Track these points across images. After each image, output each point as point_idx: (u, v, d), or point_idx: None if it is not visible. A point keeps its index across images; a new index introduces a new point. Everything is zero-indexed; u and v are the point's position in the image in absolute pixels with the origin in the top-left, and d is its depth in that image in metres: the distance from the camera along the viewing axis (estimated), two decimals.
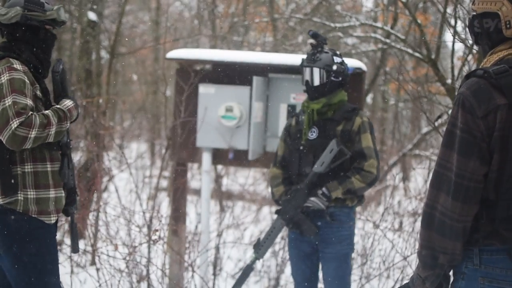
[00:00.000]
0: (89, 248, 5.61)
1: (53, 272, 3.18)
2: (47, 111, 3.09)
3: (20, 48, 3.16)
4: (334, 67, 4.00)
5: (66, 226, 5.50)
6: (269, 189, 4.58)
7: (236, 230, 6.96)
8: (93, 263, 5.76)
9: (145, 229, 5.16)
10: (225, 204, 8.09)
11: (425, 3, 9.13)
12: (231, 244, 6.33)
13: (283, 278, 6.01)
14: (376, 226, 5.63)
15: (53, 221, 3.18)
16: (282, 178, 4.13)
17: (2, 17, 3.14)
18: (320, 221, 3.98)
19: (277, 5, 10.50)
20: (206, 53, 5.32)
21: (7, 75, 3.02)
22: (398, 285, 5.42)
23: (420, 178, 7.71)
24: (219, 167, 7.80)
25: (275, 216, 7.33)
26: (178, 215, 5.35)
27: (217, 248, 5.96)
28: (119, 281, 4.73)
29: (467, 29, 2.50)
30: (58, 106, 3.18)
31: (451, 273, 2.39)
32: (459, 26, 5.30)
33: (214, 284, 5.47)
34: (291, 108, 5.11)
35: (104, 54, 9.87)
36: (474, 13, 2.41)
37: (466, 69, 5.38)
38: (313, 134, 4.01)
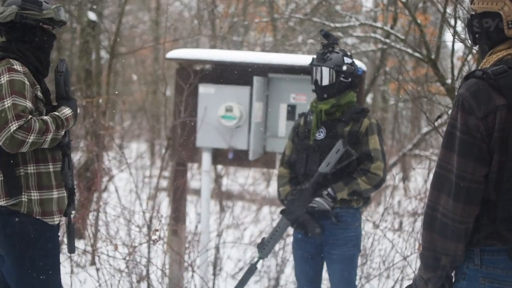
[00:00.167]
0: (89, 248, 5.61)
1: (54, 274, 3.17)
2: (46, 117, 3.08)
3: (19, 48, 3.15)
4: (344, 68, 3.97)
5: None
6: (269, 189, 4.58)
7: (236, 230, 6.96)
8: (93, 263, 5.76)
9: (145, 229, 5.16)
10: (225, 204, 8.09)
11: (425, 3, 9.14)
12: (231, 244, 6.33)
13: (283, 278, 6.01)
14: (376, 226, 5.63)
15: (56, 222, 3.17)
16: (289, 178, 4.12)
17: None
18: (325, 222, 3.96)
19: (277, 5, 10.50)
20: (206, 53, 5.32)
21: (7, 76, 3.01)
22: (398, 285, 5.42)
23: (420, 178, 7.72)
24: (219, 167, 7.80)
25: (274, 216, 7.35)
26: (178, 215, 5.35)
27: (217, 248, 5.96)
28: (119, 281, 4.73)
29: (466, 29, 2.50)
30: (57, 113, 3.15)
31: (453, 273, 2.39)
32: (459, 26, 5.30)
33: (214, 284, 5.48)
34: (291, 108, 5.11)
35: (104, 54, 9.87)
36: (473, 13, 2.41)
37: (466, 69, 5.38)
38: (320, 135, 3.99)
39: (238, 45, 10.63)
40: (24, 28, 3.16)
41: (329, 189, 3.90)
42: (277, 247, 6.09)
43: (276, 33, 9.95)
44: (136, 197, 5.82)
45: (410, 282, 5.06)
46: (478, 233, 2.27)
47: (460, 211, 2.23)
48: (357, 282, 5.52)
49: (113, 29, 8.92)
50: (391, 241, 5.64)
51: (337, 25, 7.56)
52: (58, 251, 3.21)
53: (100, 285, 4.69)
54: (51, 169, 3.15)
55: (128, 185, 7.06)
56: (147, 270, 5.02)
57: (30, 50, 3.17)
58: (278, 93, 5.14)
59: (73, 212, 3.34)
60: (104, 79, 8.54)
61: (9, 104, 2.95)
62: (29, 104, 3.00)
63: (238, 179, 9.46)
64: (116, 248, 4.85)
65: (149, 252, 5.08)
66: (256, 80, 4.99)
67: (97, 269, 4.84)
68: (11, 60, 3.07)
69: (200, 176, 6.26)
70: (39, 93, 3.12)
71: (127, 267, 4.87)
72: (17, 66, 3.06)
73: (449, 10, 5.81)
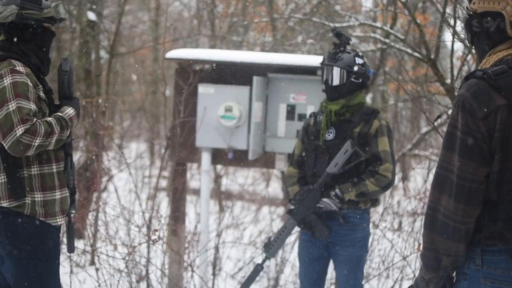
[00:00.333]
0: (88, 248, 5.61)
1: (54, 276, 3.16)
2: (50, 119, 3.06)
3: (20, 47, 3.12)
4: (355, 68, 3.95)
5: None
6: (268, 189, 4.57)
7: (235, 230, 6.96)
8: (92, 263, 5.76)
9: (144, 229, 5.16)
10: (224, 204, 8.09)
11: (424, 3, 9.13)
12: (230, 244, 6.33)
13: (282, 278, 6.01)
14: (375, 226, 5.63)
15: (59, 223, 3.16)
16: (298, 178, 4.10)
17: None
18: (332, 223, 3.95)
19: (276, 5, 10.49)
20: (206, 53, 5.32)
21: (10, 78, 2.98)
22: (397, 285, 5.42)
23: (420, 178, 7.70)
24: (219, 167, 7.80)
25: (273, 216, 7.34)
26: (177, 215, 5.35)
27: (216, 248, 5.95)
28: (118, 281, 4.73)
29: (465, 28, 2.49)
30: (60, 114, 3.13)
31: (454, 274, 2.39)
32: (459, 26, 5.29)
33: (213, 284, 5.47)
34: (291, 108, 5.11)
35: (103, 54, 9.86)
36: (471, 13, 2.40)
37: (465, 69, 5.38)
38: (330, 135, 3.97)
39: (238, 45, 10.62)
40: (24, 27, 3.13)
41: (337, 190, 3.89)
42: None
43: (276, 33, 9.94)
44: (136, 197, 5.82)
45: (410, 282, 5.08)
46: (479, 233, 2.27)
47: (461, 211, 2.23)
48: None
49: (113, 29, 8.92)
50: (390, 241, 5.64)
51: (337, 25, 7.55)
52: (58, 253, 3.20)
53: (99, 285, 4.69)
54: (55, 170, 3.14)
55: (127, 185, 7.05)
56: (147, 270, 5.02)
57: (31, 49, 3.14)
58: (278, 93, 5.14)
59: (73, 211, 3.33)
60: (104, 79, 8.54)
61: (14, 108, 2.93)
62: (33, 106, 2.98)
63: (238, 179, 9.45)
64: (115, 248, 4.85)
65: (148, 252, 5.08)
66: (256, 80, 4.99)
67: (97, 269, 4.84)
68: (12, 61, 3.05)
69: (200, 176, 6.26)
70: (41, 93, 3.10)
71: (126, 267, 4.87)
72: (19, 67, 3.03)
73: (448, 10, 5.80)
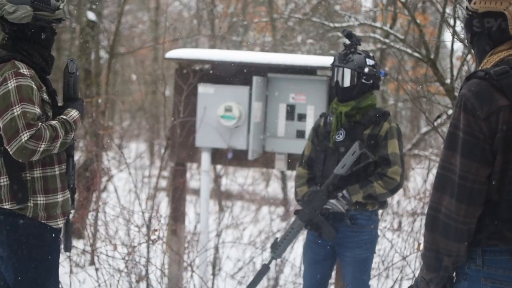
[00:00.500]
0: (88, 248, 5.61)
1: (53, 277, 3.15)
2: (54, 122, 3.03)
3: (25, 47, 3.08)
4: (366, 70, 3.92)
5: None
6: (268, 189, 4.56)
7: (235, 230, 6.96)
8: (92, 263, 5.76)
9: (144, 229, 5.16)
10: (224, 204, 8.09)
11: (424, 3, 9.13)
12: (230, 244, 6.33)
13: (282, 278, 6.01)
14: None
15: (60, 225, 3.15)
16: (307, 179, 4.09)
17: (10, 16, 3.02)
18: (339, 224, 3.94)
19: (276, 5, 10.50)
20: (205, 53, 5.31)
21: (14, 81, 2.94)
22: (397, 285, 5.42)
23: (419, 178, 7.70)
24: (218, 167, 7.80)
25: (273, 216, 7.34)
26: (177, 215, 5.35)
27: (216, 248, 5.95)
28: (118, 281, 4.73)
29: (464, 28, 2.49)
30: (65, 117, 3.11)
31: (454, 274, 2.38)
32: (458, 26, 5.29)
33: (213, 284, 5.47)
34: (290, 108, 5.11)
35: (103, 54, 9.86)
36: (470, 13, 2.39)
37: (465, 69, 5.38)
38: (339, 136, 3.95)
39: (238, 45, 10.62)
40: (35, 28, 3.09)
41: (344, 191, 3.87)
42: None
43: (276, 33, 9.94)
44: (135, 197, 5.82)
45: (410, 282, 5.08)
46: (480, 233, 2.27)
47: (463, 211, 2.23)
48: None
49: (113, 29, 8.92)
50: (390, 241, 5.64)
51: (336, 25, 7.56)
52: (58, 254, 3.19)
53: (99, 285, 4.69)
54: (57, 172, 3.11)
55: (127, 185, 7.05)
56: (146, 270, 5.02)
57: (35, 49, 3.11)
58: (278, 93, 5.14)
59: (72, 211, 3.32)
60: (104, 79, 8.54)
61: (18, 112, 2.90)
62: (38, 110, 2.95)
63: (237, 179, 9.45)
64: (115, 248, 4.85)
65: (148, 252, 5.08)
66: (256, 80, 4.98)
67: (96, 269, 4.83)
68: (16, 62, 3.00)
69: (199, 176, 6.26)
70: (45, 96, 3.07)
71: (126, 267, 4.87)
72: (24, 69, 2.99)
73: (448, 10, 5.81)
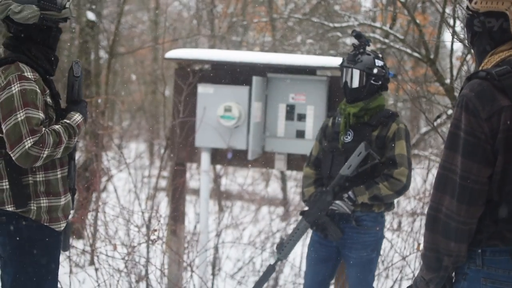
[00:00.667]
0: (88, 248, 5.61)
1: (53, 279, 3.14)
2: (57, 127, 3.00)
3: (30, 48, 3.04)
4: (375, 71, 3.91)
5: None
6: (268, 189, 4.56)
7: (235, 230, 6.96)
8: (92, 263, 5.76)
9: (144, 229, 5.16)
10: (224, 204, 8.09)
11: (424, 3, 9.13)
12: (230, 244, 6.33)
13: (282, 278, 6.01)
14: None
15: (62, 228, 3.13)
16: (314, 179, 4.08)
17: (16, 16, 2.98)
18: (345, 225, 3.93)
19: (276, 5, 10.50)
20: (205, 53, 5.31)
21: (18, 85, 2.90)
22: (396, 285, 5.42)
23: (419, 178, 7.70)
24: (218, 167, 7.80)
25: (273, 216, 7.34)
26: (177, 215, 5.35)
27: (216, 248, 5.95)
28: (118, 281, 4.73)
29: (465, 29, 2.49)
30: (68, 121, 3.08)
31: (453, 274, 2.38)
32: (458, 26, 5.30)
33: (213, 284, 5.47)
34: (290, 108, 5.11)
35: (103, 54, 9.87)
36: (471, 12, 2.39)
37: (464, 69, 5.38)
38: (347, 137, 3.94)
39: (237, 45, 10.62)
40: (41, 29, 3.05)
41: (350, 192, 3.86)
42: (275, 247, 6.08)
43: (275, 33, 9.94)
44: (135, 197, 5.82)
45: (409, 282, 5.08)
46: (480, 233, 2.27)
47: (464, 212, 2.23)
48: None
49: (112, 29, 8.91)
50: (390, 241, 5.64)
51: (336, 25, 7.56)
52: (58, 257, 3.18)
53: (99, 285, 4.69)
54: (59, 176, 3.09)
55: (127, 185, 7.05)
56: (146, 270, 5.02)
57: (40, 50, 3.07)
58: (277, 93, 5.14)
59: (71, 211, 3.32)
60: (103, 79, 8.54)
61: (22, 118, 2.86)
62: (41, 115, 2.92)
63: (237, 179, 9.45)
64: (115, 248, 4.85)
65: (148, 252, 5.08)
66: (255, 80, 4.98)
67: (96, 269, 4.83)
68: (20, 65, 2.96)
69: (199, 176, 6.26)
70: (48, 99, 3.03)
71: (126, 267, 4.87)
72: (28, 73, 2.95)
73: (448, 10, 5.81)
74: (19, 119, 2.86)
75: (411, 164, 3.90)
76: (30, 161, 2.88)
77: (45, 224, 3.05)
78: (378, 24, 7.74)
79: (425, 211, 5.00)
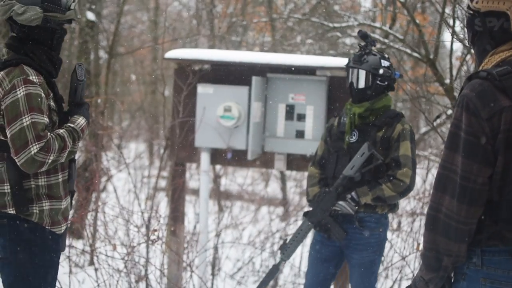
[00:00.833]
0: (87, 248, 5.61)
1: (52, 280, 3.13)
2: (62, 131, 2.98)
3: (33, 50, 3.00)
4: (381, 71, 3.89)
5: None
6: (267, 189, 4.56)
7: (234, 230, 6.96)
8: (91, 263, 5.76)
9: (143, 229, 5.16)
10: (223, 204, 8.09)
11: (424, 3, 9.13)
12: (229, 244, 6.33)
13: (281, 278, 6.01)
14: None
15: (63, 230, 3.12)
16: (319, 179, 4.07)
17: (19, 17, 2.94)
18: (348, 226, 3.92)
19: (275, 5, 10.50)
20: (205, 53, 5.31)
21: (24, 89, 2.87)
22: (396, 285, 5.42)
23: (419, 178, 7.71)
24: (218, 167, 7.80)
25: (273, 216, 7.34)
26: (176, 215, 5.35)
27: (215, 248, 5.96)
28: (117, 281, 4.73)
29: (465, 28, 2.49)
30: (72, 125, 3.05)
31: (452, 274, 2.38)
32: (458, 26, 5.30)
33: (212, 284, 5.48)
34: (290, 108, 5.11)
35: (102, 54, 9.86)
36: (472, 12, 2.39)
37: (464, 69, 5.38)
38: (353, 138, 3.93)
39: (237, 45, 10.62)
40: (45, 30, 3.01)
41: (353, 193, 3.86)
42: (276, 247, 6.09)
43: (275, 33, 9.95)
44: (135, 197, 5.82)
45: (409, 282, 5.07)
46: (480, 233, 2.27)
47: (464, 212, 2.23)
48: None
49: (112, 29, 8.92)
50: (389, 241, 5.64)
51: (336, 25, 7.56)
52: (58, 259, 3.17)
53: (98, 285, 4.69)
54: (60, 179, 3.07)
55: (126, 185, 7.05)
56: (146, 270, 5.01)
57: (44, 52, 3.03)
58: (277, 93, 5.14)
59: (71, 211, 3.31)
60: (103, 79, 8.54)
61: (28, 123, 2.84)
62: (46, 120, 2.90)
63: (237, 179, 9.45)
64: (114, 248, 4.85)
65: (147, 252, 5.08)
66: (255, 80, 4.98)
67: (96, 269, 4.83)
68: (25, 68, 2.92)
69: (199, 176, 6.26)
70: (52, 103, 3.01)
71: (125, 267, 4.87)
72: (33, 76, 2.91)
73: (447, 10, 5.81)
74: (25, 124, 2.84)
75: (416, 165, 3.88)
76: (36, 166, 2.86)
77: (47, 227, 3.03)
78: (377, 24, 7.74)
79: (425, 211, 5.00)
